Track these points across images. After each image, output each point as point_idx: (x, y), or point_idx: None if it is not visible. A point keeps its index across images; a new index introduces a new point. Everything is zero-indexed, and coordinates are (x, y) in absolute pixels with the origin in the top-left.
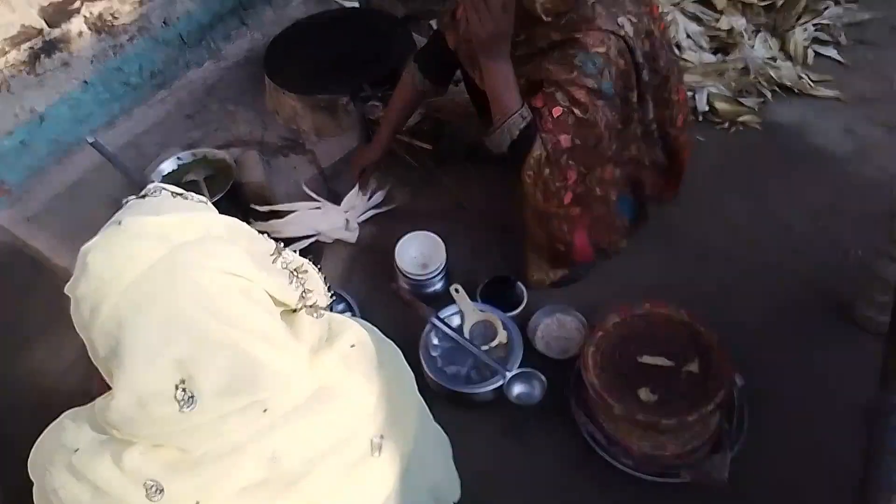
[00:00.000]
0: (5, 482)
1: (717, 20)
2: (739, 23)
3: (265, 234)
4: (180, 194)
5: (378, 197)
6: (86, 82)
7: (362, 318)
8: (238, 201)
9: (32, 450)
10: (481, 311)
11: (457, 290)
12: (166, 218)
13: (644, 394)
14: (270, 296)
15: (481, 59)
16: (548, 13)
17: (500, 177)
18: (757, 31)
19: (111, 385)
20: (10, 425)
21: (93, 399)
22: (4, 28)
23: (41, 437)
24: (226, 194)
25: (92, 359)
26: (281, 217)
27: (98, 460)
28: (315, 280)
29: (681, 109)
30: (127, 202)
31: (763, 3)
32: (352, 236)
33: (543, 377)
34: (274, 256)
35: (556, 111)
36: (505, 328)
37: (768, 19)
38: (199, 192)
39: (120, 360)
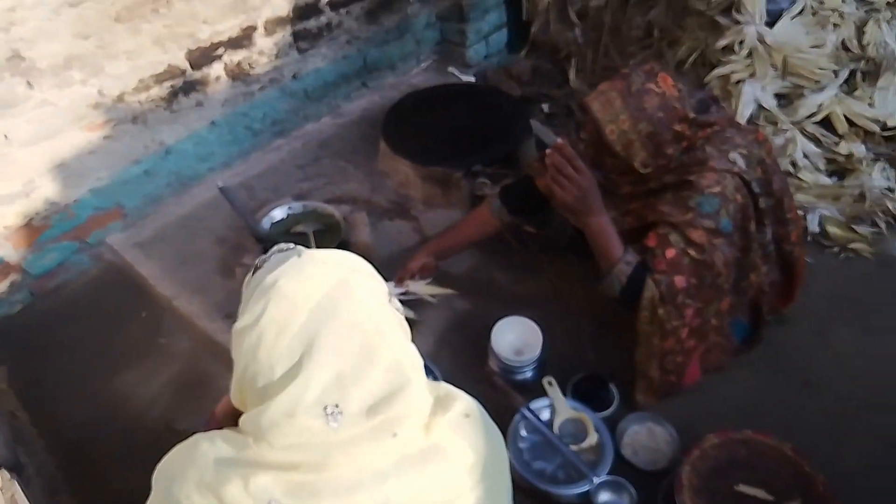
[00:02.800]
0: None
1: (837, 144)
2: (859, 149)
3: None
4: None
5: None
6: (213, 123)
7: None
8: None
9: (162, 462)
10: (574, 408)
11: (550, 383)
12: (332, 251)
13: None
14: None
15: (578, 220)
16: (646, 167)
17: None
18: (876, 160)
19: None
20: (95, 447)
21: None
22: (153, 66)
23: (173, 451)
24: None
25: (241, 398)
26: None
27: (228, 479)
28: (408, 332)
29: (796, 225)
30: (270, 256)
31: (885, 133)
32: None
33: (633, 489)
34: (389, 299)
35: (670, 253)
36: (597, 430)
37: (889, 149)
38: (307, 245)
39: (296, 372)
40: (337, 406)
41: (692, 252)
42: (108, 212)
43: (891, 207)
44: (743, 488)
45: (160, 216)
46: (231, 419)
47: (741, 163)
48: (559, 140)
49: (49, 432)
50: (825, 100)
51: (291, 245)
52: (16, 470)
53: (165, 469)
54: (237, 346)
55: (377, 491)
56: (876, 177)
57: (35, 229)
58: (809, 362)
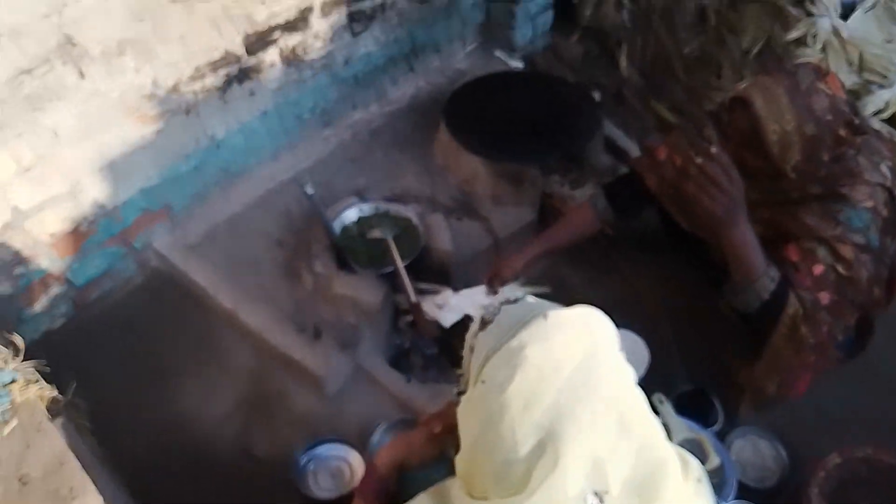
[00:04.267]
0: None
1: None
2: None
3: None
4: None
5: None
6: (264, 113)
7: None
8: (419, 264)
9: None
10: (689, 428)
11: (661, 402)
12: (574, 310)
13: None
14: None
15: (719, 231)
16: (796, 171)
17: (677, 268)
18: None
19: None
20: (164, 474)
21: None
22: (208, 52)
23: None
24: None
25: (476, 453)
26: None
27: None
28: None
29: None
30: (500, 309)
31: None
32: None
33: None
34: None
35: (818, 269)
36: (717, 452)
37: None
38: (388, 252)
39: (551, 455)
40: (596, 495)
41: (840, 268)
42: (156, 212)
43: None
44: None
45: (208, 216)
46: (396, 471)
47: (889, 175)
48: (714, 148)
49: (113, 458)
50: (893, 96)
51: (519, 294)
52: None
53: None
54: (470, 411)
55: None
56: None
57: (81, 235)
58: None
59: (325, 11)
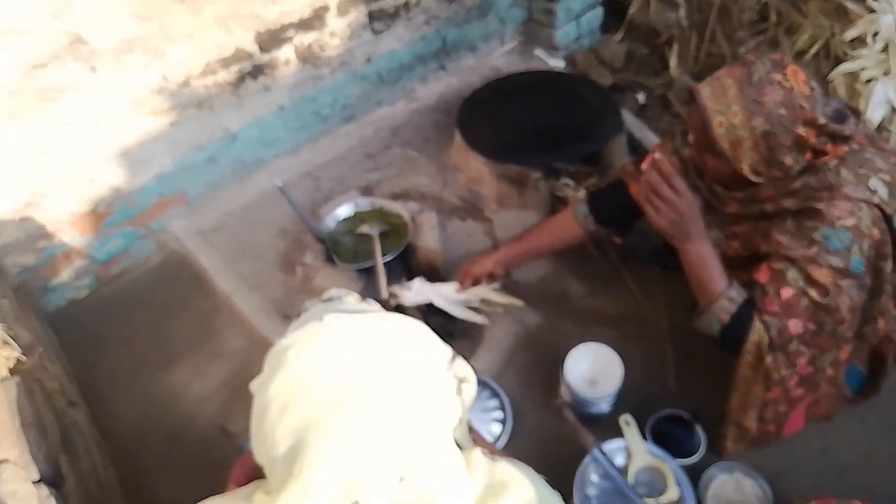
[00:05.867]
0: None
1: None
2: None
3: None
4: (364, 301)
5: (478, 295)
6: (281, 108)
7: (514, 422)
8: (407, 261)
9: None
10: (652, 454)
11: (627, 423)
12: (364, 319)
13: None
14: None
15: (674, 245)
16: (757, 174)
17: (687, 287)
18: None
19: (272, 485)
20: (143, 447)
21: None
22: (219, 49)
23: None
24: (397, 255)
25: (257, 456)
26: None
27: None
28: (470, 392)
29: None
30: (313, 304)
31: None
32: (482, 319)
33: None
34: (449, 364)
35: (786, 293)
36: (678, 484)
37: None
38: (371, 248)
39: (299, 463)
40: None
41: (813, 293)
42: (172, 198)
43: None
44: None
45: (223, 203)
46: None
47: (882, 191)
48: (657, 154)
49: (104, 428)
50: None
51: (343, 292)
52: (55, 484)
53: None
54: (255, 398)
55: None
56: None
57: (100, 215)
58: None
59: (342, 10)
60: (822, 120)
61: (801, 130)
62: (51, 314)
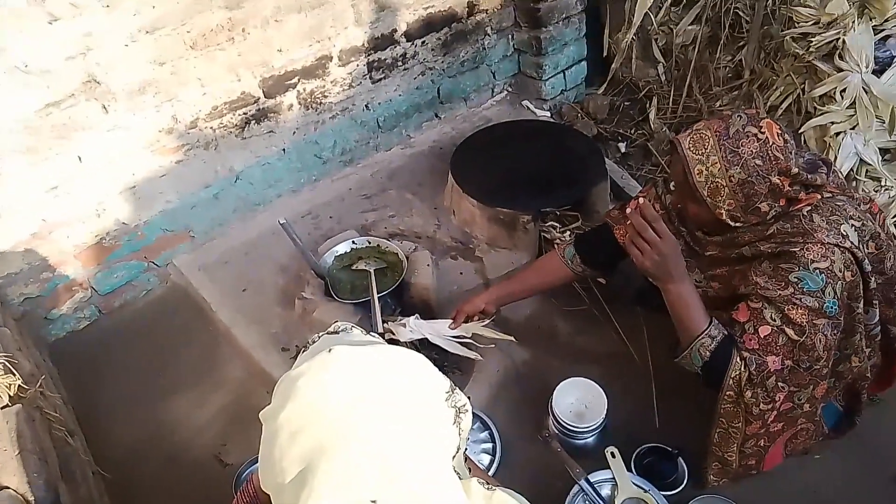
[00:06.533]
0: None
1: None
2: None
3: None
4: (368, 333)
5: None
6: (283, 150)
7: (503, 453)
8: (401, 296)
9: None
10: (637, 486)
11: (613, 455)
12: (370, 350)
13: None
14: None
15: (658, 284)
16: (735, 220)
17: (672, 329)
18: None
19: None
20: (139, 471)
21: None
22: (227, 93)
23: None
24: (392, 291)
25: (263, 483)
26: None
27: None
28: (468, 421)
29: None
30: (320, 336)
31: None
32: (474, 355)
33: None
34: (448, 394)
35: (764, 330)
36: None
37: None
38: (366, 283)
39: (308, 491)
40: None
41: (790, 331)
42: (177, 234)
43: None
44: None
45: (226, 240)
46: None
47: (853, 237)
48: (641, 199)
49: (99, 457)
50: None
51: (349, 325)
52: None
53: None
54: (264, 426)
55: None
56: None
57: (105, 248)
58: None
59: (344, 60)
60: (795, 170)
61: (776, 179)
62: (52, 343)
